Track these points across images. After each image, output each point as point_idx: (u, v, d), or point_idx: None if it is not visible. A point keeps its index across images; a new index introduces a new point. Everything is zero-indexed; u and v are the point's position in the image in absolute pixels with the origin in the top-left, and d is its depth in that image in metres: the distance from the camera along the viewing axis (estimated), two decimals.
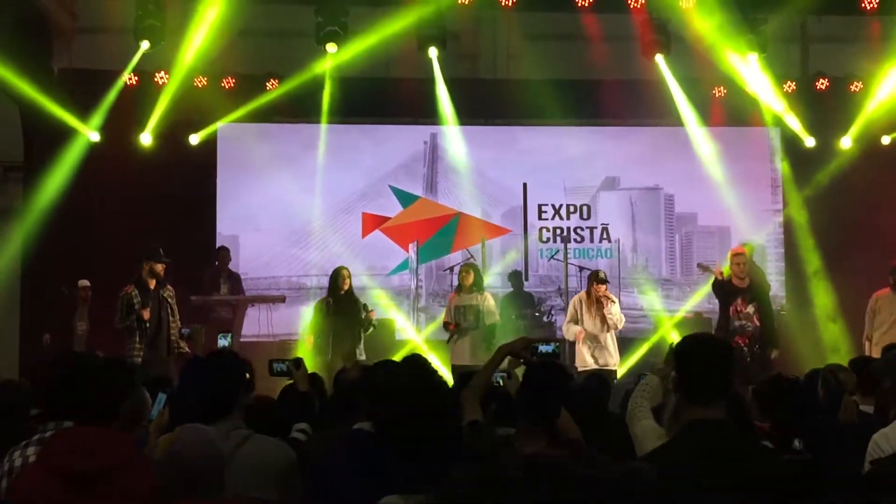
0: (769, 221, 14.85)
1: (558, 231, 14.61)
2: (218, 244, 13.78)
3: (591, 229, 14.65)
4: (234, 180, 14.16)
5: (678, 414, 3.59)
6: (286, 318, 13.67)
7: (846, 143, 14.31)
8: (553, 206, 14.63)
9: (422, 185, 14.58)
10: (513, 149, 14.71)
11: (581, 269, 13.44)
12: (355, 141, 14.47)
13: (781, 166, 14.80)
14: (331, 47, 11.96)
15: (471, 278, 11.27)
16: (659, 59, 12.82)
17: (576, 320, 11.05)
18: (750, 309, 11.26)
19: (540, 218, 14.59)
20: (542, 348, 4.33)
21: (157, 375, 7.23)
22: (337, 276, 11.18)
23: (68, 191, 13.20)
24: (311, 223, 14.28)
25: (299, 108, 14.07)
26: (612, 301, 11.07)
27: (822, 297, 14.35)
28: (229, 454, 3.44)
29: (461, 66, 15.26)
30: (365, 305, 11.20)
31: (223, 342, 6.83)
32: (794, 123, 14.19)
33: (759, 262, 14.45)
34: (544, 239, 14.53)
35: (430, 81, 14.10)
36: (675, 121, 14.56)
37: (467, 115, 14.65)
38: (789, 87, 14.20)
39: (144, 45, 11.89)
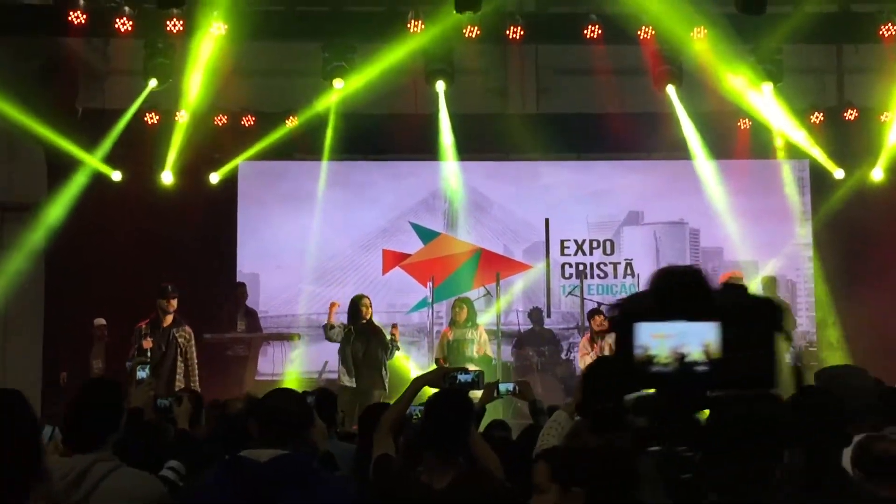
0: (798, 256, 14.52)
1: (581, 267, 14.43)
2: (239, 282, 13.82)
3: (615, 265, 14.44)
4: (255, 218, 14.22)
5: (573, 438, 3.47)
6: (306, 356, 13.64)
7: (877, 174, 13.96)
8: (576, 241, 14.46)
9: (442, 222, 14.50)
10: (535, 184, 14.59)
11: (599, 304, 13.24)
12: (375, 178, 14.45)
13: (810, 199, 14.49)
14: (338, 83, 11.94)
15: (464, 313, 11.20)
16: (671, 90, 12.60)
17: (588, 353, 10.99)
18: None
19: (562, 254, 14.42)
20: (461, 378, 4.21)
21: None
22: (358, 304, 11.10)
23: (89, 229, 13.34)
24: (331, 260, 14.26)
25: (319, 146, 14.09)
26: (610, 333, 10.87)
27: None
28: (90, 487, 3.38)
29: (492, 101, 15.25)
30: (393, 326, 11.17)
31: (141, 374, 6.73)
32: (821, 155, 13.86)
33: (789, 299, 14.20)
34: (567, 275, 14.35)
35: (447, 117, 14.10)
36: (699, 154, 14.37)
37: (489, 151, 14.61)
38: (817, 117, 13.90)
39: (152, 83, 11.97)
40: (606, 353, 10.60)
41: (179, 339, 10.70)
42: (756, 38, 11.58)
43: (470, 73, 14.83)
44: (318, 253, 14.21)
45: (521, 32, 11.34)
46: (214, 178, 13.85)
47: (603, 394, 3.41)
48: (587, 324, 12.76)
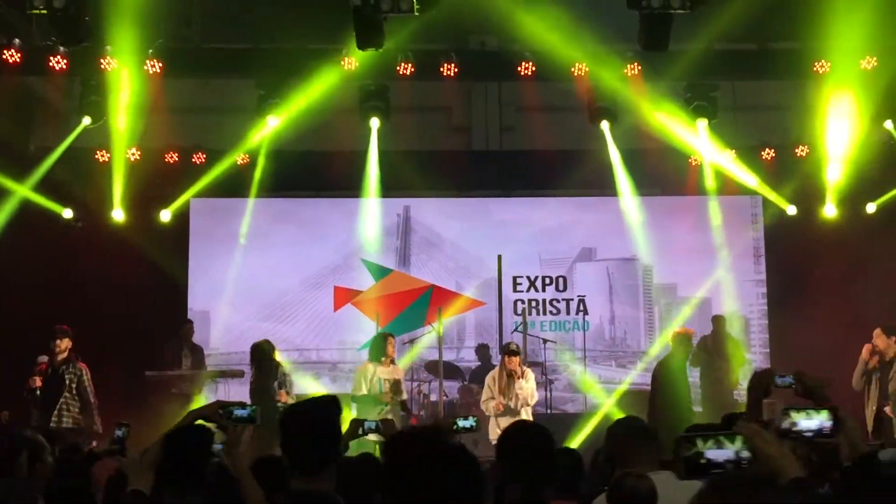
0: (751, 292, 14.46)
1: (534, 303, 14.39)
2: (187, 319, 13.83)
3: (568, 301, 14.40)
4: (207, 255, 14.23)
5: None
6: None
7: (830, 211, 13.90)
8: (528, 277, 14.44)
9: (394, 258, 14.49)
10: (487, 220, 14.59)
11: (545, 341, 13.22)
12: (327, 214, 14.47)
13: (763, 235, 14.46)
14: (272, 119, 11.99)
15: (394, 350, 11.04)
16: (604, 126, 12.62)
17: (492, 396, 10.79)
18: None
19: (515, 290, 14.39)
20: (237, 412, 4.13)
21: None
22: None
23: (39, 267, 13.36)
24: (282, 297, 14.26)
25: (271, 183, 14.13)
26: (522, 377, 10.75)
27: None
28: None
29: (456, 138, 15.29)
30: (279, 385, 11.05)
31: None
32: (770, 192, 13.86)
33: (742, 335, 14.14)
34: (519, 311, 14.30)
35: (404, 154, 14.16)
36: (652, 191, 14.37)
37: (441, 188, 14.64)
38: (768, 154, 13.90)
39: (86, 121, 12.03)
40: (513, 401, 10.52)
41: (67, 376, 10.93)
42: (689, 76, 11.59)
43: (434, 111, 14.95)
44: (269, 290, 14.22)
45: (456, 70, 11.36)
46: (166, 215, 13.87)
47: None
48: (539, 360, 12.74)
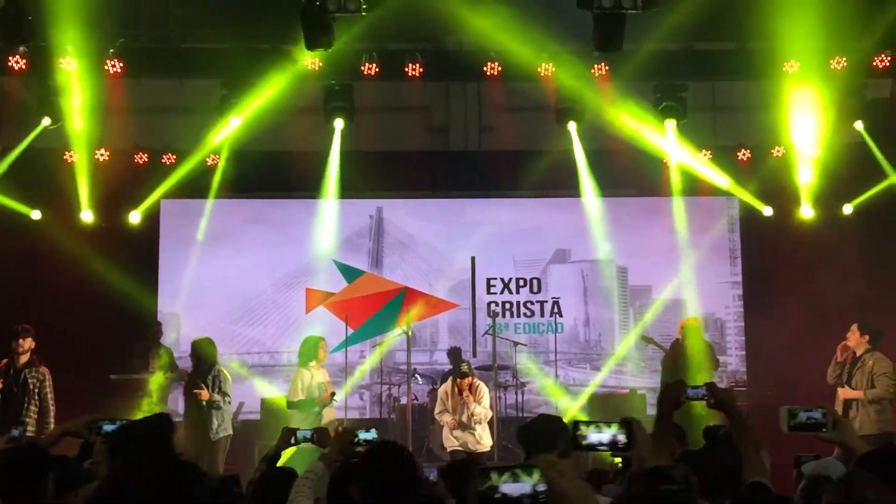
0: (727, 293, 14.33)
1: (507, 305, 14.27)
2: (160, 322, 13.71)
3: (542, 303, 14.27)
4: (177, 256, 14.09)
5: None
6: None
7: (806, 212, 13.77)
8: (502, 279, 14.32)
9: (367, 260, 14.36)
10: (460, 222, 14.45)
11: (516, 344, 13.11)
12: (299, 216, 14.33)
13: (739, 236, 14.33)
14: (234, 119, 11.86)
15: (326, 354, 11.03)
16: (571, 127, 12.50)
17: (445, 409, 10.73)
18: None
19: (489, 292, 14.26)
20: (106, 427, 4.02)
21: None
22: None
23: (7, 270, 13.25)
24: (254, 299, 14.13)
25: (241, 184, 14.02)
26: (474, 397, 10.65)
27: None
28: None
29: (434, 138, 15.17)
30: (199, 384, 10.91)
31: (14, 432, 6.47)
32: (746, 193, 13.75)
33: (718, 337, 14.04)
34: (492, 314, 14.15)
35: (378, 154, 14.08)
36: (626, 191, 14.25)
37: (415, 188, 14.53)
38: (744, 154, 13.79)
39: (45, 121, 11.89)
40: (465, 420, 10.42)
41: (30, 381, 10.60)
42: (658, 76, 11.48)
43: (413, 111, 14.83)
44: (240, 291, 14.09)
45: (421, 70, 11.23)
46: (135, 216, 13.72)
47: None
48: (510, 363, 12.61)
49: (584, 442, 3.34)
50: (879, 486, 3.20)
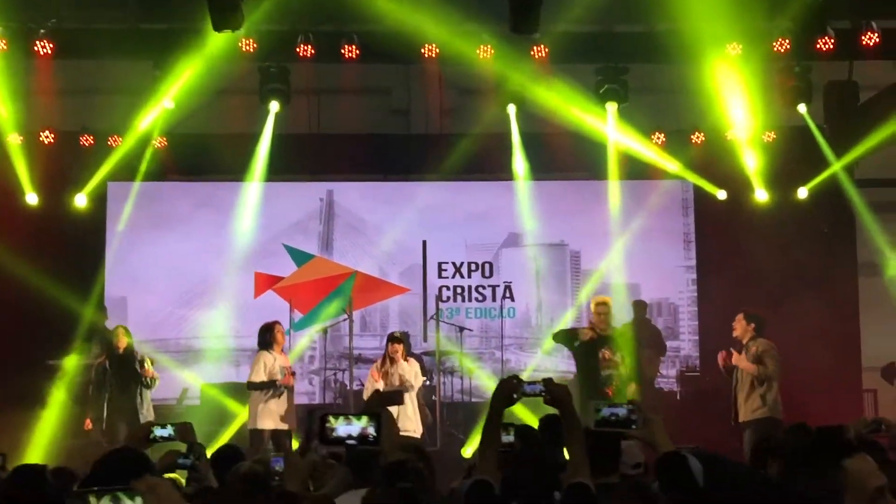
0: (681, 278, 14.18)
1: (458, 290, 14.12)
2: (107, 307, 13.59)
3: (494, 288, 14.12)
4: (124, 240, 13.92)
5: None
6: (170, 382, 13.34)
7: (761, 196, 13.60)
8: (454, 263, 14.16)
9: (317, 244, 14.20)
10: (412, 205, 14.27)
11: (461, 329, 12.98)
12: (249, 199, 14.13)
13: (693, 220, 14.17)
14: (168, 103, 11.69)
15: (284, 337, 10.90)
16: (510, 109, 12.34)
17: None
18: (617, 357, 10.81)
19: (440, 276, 14.11)
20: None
21: None
22: (113, 336, 10.89)
23: None
24: (202, 283, 13.97)
25: (191, 167, 13.88)
26: (405, 360, 10.48)
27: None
28: None
29: (395, 121, 14.99)
30: (142, 361, 10.82)
31: None
32: (699, 178, 13.62)
33: (671, 322, 13.92)
34: (444, 298, 14.03)
35: (327, 137, 13.92)
36: (582, 174, 14.09)
37: (368, 171, 14.36)
38: (698, 137, 13.61)
39: None
40: (397, 383, 10.25)
41: None
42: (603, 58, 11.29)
43: (373, 93, 14.65)
44: (188, 275, 13.93)
45: (357, 52, 11.05)
46: (81, 199, 13.53)
47: None
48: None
49: (333, 435, 3.21)
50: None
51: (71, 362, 11.60)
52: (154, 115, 12.14)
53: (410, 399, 10.53)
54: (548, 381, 4.08)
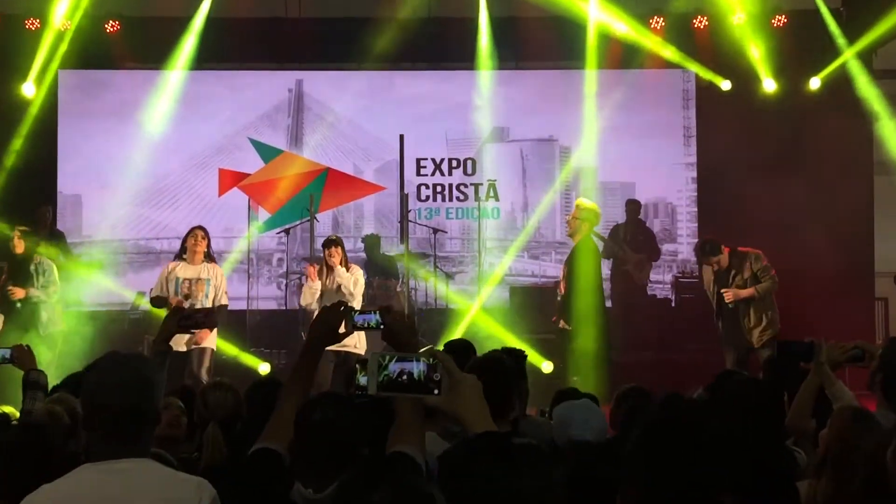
0: (680, 176, 13.09)
1: (438, 188, 13.11)
2: (60, 205, 12.68)
3: (477, 186, 13.08)
4: (77, 133, 12.94)
5: None
6: (130, 284, 12.50)
7: (769, 86, 12.43)
8: (433, 160, 13.12)
9: (285, 138, 13.16)
10: (389, 96, 13.18)
11: (436, 231, 12.00)
12: (211, 89, 13.10)
13: (695, 114, 13.04)
14: None
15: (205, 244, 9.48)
16: None
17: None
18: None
19: (419, 174, 13.09)
20: None
21: None
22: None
23: None
24: (162, 180, 13.01)
25: (149, 53, 12.82)
26: (345, 267, 9.39)
27: None
28: None
29: (371, 3, 13.77)
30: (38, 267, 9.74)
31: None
32: (701, 67, 12.48)
33: (669, 224, 12.94)
34: (423, 197, 13.03)
35: (297, 21, 12.76)
36: (571, 64, 12.91)
37: (337, 59, 13.22)
38: (700, 22, 12.44)
39: None
40: (335, 291, 9.21)
41: None
42: None
43: None
44: (147, 172, 12.89)
45: None
46: (29, 88, 12.49)
47: None
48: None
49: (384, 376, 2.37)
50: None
51: None
52: None
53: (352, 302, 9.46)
54: (384, 310, 3.06)
